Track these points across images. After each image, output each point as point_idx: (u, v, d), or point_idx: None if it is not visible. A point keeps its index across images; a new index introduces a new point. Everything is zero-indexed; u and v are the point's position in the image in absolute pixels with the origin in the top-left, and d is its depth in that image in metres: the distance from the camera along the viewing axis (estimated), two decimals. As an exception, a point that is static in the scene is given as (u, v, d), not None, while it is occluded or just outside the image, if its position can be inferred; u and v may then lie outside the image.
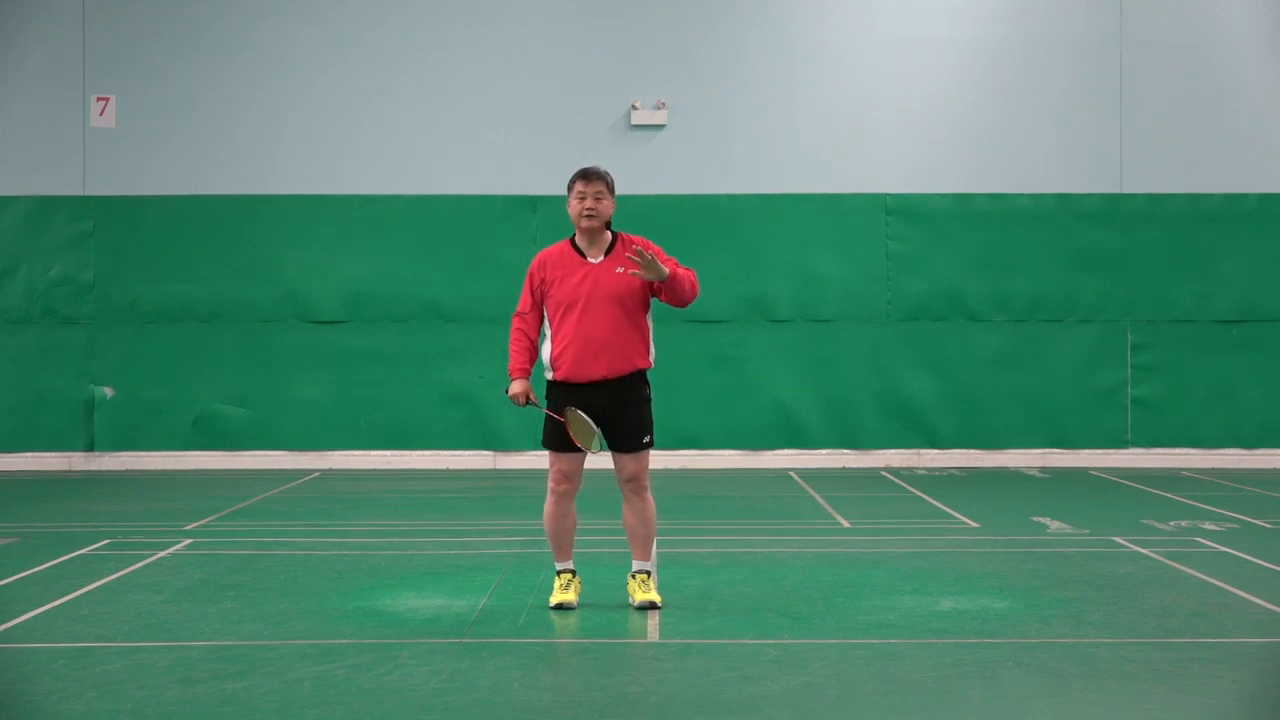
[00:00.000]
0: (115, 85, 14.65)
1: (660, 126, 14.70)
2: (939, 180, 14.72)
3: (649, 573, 7.28)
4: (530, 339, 7.20)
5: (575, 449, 7.08)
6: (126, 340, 14.58)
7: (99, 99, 14.60)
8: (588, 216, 7.07)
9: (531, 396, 7.13)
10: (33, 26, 14.61)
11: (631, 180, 13.47)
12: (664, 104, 14.66)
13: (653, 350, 7.24)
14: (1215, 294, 14.63)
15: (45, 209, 14.58)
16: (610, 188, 7.15)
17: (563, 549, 7.28)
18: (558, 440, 7.11)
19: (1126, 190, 14.70)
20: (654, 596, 7.24)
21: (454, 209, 14.67)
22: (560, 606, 7.21)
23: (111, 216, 14.58)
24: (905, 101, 14.74)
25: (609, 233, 7.19)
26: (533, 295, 7.18)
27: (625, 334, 7.07)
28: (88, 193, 14.60)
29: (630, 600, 7.29)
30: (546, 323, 7.20)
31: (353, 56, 14.76)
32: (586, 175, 7.13)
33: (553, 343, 7.14)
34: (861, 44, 14.77)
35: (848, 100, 14.76)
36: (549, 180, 14.47)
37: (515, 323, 7.22)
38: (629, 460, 7.16)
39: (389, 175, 14.70)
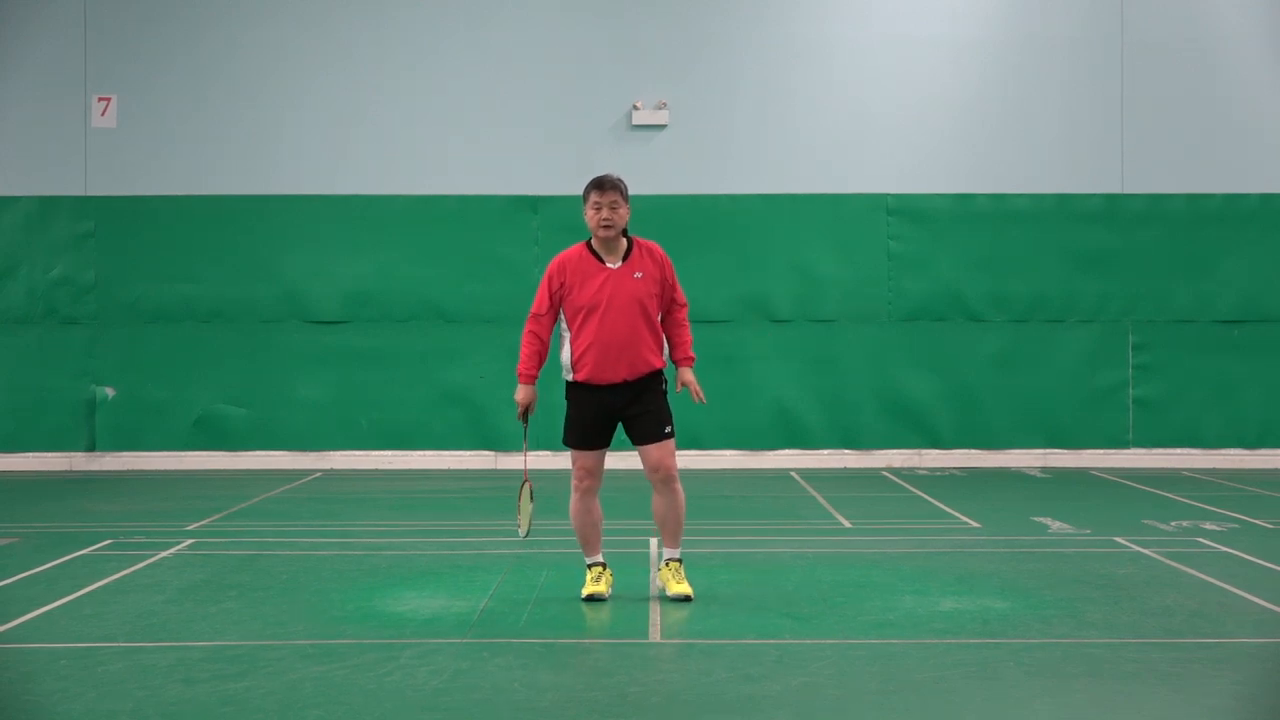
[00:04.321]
0: (116, 85, 14.66)
1: (661, 126, 14.70)
2: (939, 180, 14.72)
3: (680, 560, 7.49)
4: (543, 341, 7.35)
5: (596, 445, 7.30)
6: (127, 340, 14.59)
7: (100, 99, 14.61)
8: (605, 227, 7.23)
9: (531, 410, 7.38)
10: (33, 26, 14.62)
11: (632, 180, 13.24)
12: (664, 104, 14.66)
13: (665, 349, 7.46)
14: (1215, 294, 14.63)
15: (46, 209, 14.59)
16: (625, 196, 7.30)
17: (590, 543, 7.48)
18: (578, 438, 7.32)
19: (1126, 190, 14.70)
20: (687, 589, 7.42)
21: (454, 209, 14.68)
22: (591, 598, 7.40)
23: (112, 216, 14.59)
24: (905, 101, 14.75)
25: (625, 238, 7.34)
26: (550, 298, 7.30)
27: (644, 336, 7.27)
28: (89, 193, 14.61)
29: (664, 590, 7.46)
30: (564, 325, 7.33)
31: (352, 56, 14.77)
32: (601, 185, 7.26)
33: (573, 345, 7.28)
34: (861, 44, 14.78)
35: (848, 100, 14.77)
36: (549, 180, 14.51)
37: (529, 324, 7.35)
38: (654, 450, 7.30)
39: (389, 175, 14.70)
